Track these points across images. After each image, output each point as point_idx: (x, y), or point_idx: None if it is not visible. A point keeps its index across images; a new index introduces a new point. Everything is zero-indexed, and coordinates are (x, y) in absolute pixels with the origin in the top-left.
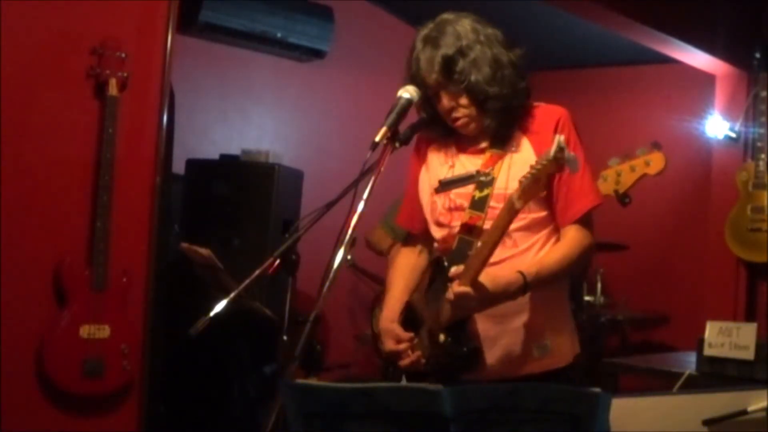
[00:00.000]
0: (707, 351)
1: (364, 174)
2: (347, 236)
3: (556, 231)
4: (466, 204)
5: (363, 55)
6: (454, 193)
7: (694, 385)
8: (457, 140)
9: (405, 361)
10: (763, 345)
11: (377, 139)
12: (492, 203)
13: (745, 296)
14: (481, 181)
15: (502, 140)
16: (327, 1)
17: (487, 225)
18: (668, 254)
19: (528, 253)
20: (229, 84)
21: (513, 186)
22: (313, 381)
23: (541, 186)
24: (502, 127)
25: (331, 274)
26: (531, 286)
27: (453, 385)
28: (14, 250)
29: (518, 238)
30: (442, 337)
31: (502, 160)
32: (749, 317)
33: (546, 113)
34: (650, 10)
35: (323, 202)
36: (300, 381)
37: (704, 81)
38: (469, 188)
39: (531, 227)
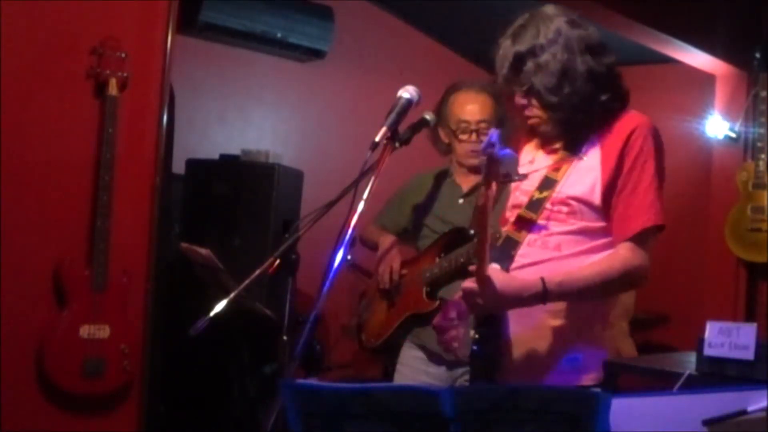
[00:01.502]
0: (707, 351)
1: (364, 174)
2: (347, 236)
3: (613, 244)
4: (525, 201)
5: (363, 55)
6: (520, 189)
7: (694, 385)
8: (540, 134)
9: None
10: (763, 345)
11: (377, 139)
12: (547, 206)
13: (745, 296)
14: (545, 181)
15: (574, 144)
16: (327, 1)
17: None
18: (668, 254)
19: (572, 259)
20: (229, 84)
21: (569, 192)
22: (313, 381)
23: (489, 184)
24: (571, 134)
25: (331, 274)
26: (551, 295)
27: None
28: (14, 250)
29: (563, 243)
30: (471, 332)
31: (569, 165)
32: (749, 317)
33: (624, 123)
34: (650, 10)
35: (323, 202)
36: (300, 381)
37: (704, 81)
38: (533, 185)
39: (581, 234)
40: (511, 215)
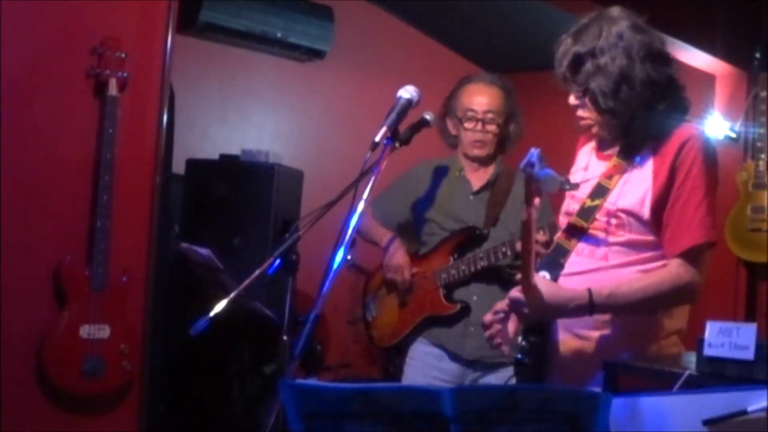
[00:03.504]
0: (707, 351)
1: (364, 174)
2: (347, 236)
3: (663, 258)
4: (577, 208)
5: (363, 55)
6: (574, 196)
7: (694, 385)
8: (595, 137)
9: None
10: (763, 345)
11: (377, 139)
12: (598, 215)
13: (745, 296)
14: (598, 188)
15: (630, 151)
16: (327, 1)
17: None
18: None
19: (618, 270)
20: (229, 84)
21: (619, 203)
22: (313, 381)
23: (531, 201)
24: (626, 141)
25: (331, 274)
26: (598, 307)
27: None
28: (14, 250)
29: (609, 253)
30: (519, 338)
31: (623, 173)
32: (749, 317)
33: (676, 135)
34: (649, 10)
35: (323, 202)
36: (300, 381)
37: (704, 81)
38: (585, 192)
39: (628, 246)
40: (563, 222)
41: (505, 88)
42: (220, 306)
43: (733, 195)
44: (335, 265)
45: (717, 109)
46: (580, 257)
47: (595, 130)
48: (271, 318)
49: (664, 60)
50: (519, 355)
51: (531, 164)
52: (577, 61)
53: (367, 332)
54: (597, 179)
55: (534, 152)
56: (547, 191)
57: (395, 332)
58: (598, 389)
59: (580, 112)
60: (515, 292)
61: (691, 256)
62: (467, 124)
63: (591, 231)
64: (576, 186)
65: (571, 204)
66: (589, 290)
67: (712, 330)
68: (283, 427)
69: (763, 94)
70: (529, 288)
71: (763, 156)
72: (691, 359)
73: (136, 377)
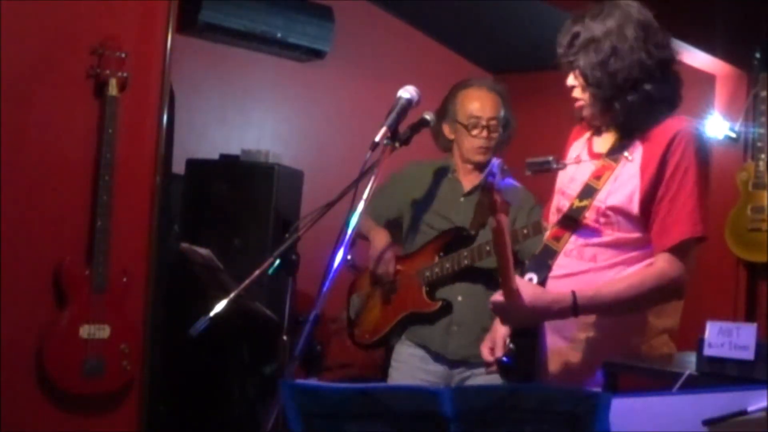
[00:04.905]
0: (707, 351)
1: (364, 174)
2: (347, 236)
3: (652, 255)
4: (566, 207)
5: (363, 55)
6: (565, 194)
7: (694, 385)
8: (587, 121)
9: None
10: (763, 345)
11: (377, 139)
12: (586, 214)
13: (745, 296)
14: (586, 189)
15: (619, 147)
16: (327, 1)
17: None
18: None
19: (608, 271)
20: (229, 84)
21: (608, 201)
22: (313, 381)
23: (486, 211)
24: (613, 122)
25: (331, 274)
26: (582, 309)
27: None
28: (14, 250)
29: (598, 254)
30: (507, 340)
31: (612, 170)
32: (749, 317)
33: (666, 127)
34: (650, 10)
35: (323, 202)
36: (300, 381)
37: (704, 81)
38: (574, 192)
39: (617, 246)
40: (553, 219)
41: (501, 93)
42: (220, 306)
43: (733, 195)
44: (335, 265)
45: (717, 109)
46: (568, 258)
47: (586, 112)
48: (271, 318)
49: (659, 45)
50: (505, 359)
51: (492, 174)
52: (574, 37)
53: (348, 330)
54: (586, 179)
55: (495, 162)
56: (509, 202)
57: (376, 329)
58: (598, 389)
59: (575, 93)
60: (497, 297)
61: (679, 250)
62: (474, 131)
63: (578, 231)
64: (563, 165)
65: (561, 200)
66: (573, 292)
67: (712, 330)
68: (283, 427)
69: (763, 94)
70: (510, 293)
71: (763, 156)
72: (691, 359)
73: (136, 377)
